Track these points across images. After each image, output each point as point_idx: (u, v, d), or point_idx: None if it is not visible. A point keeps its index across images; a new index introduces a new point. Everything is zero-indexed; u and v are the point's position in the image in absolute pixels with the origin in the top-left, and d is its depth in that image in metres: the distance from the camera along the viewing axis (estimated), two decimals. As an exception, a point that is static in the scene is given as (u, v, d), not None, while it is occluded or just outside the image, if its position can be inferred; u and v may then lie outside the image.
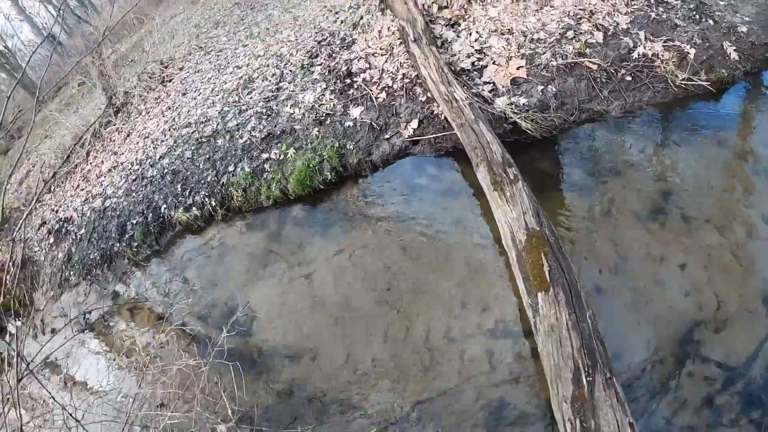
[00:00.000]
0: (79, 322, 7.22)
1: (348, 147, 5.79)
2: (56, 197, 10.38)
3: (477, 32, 6.16)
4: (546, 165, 5.15)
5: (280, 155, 6.16)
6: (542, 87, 5.46)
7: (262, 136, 6.51)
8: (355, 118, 5.96)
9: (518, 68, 5.63)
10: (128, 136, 9.57)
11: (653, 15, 5.83)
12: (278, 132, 6.42)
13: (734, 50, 5.46)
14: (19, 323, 9.30)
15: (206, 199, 6.56)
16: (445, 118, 5.31)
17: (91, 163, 10.06)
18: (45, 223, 9.76)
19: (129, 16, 18.55)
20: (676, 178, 4.63)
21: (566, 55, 5.59)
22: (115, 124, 10.19)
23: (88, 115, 11.56)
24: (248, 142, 6.59)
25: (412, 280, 4.65)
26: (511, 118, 5.24)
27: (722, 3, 6.00)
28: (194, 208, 6.66)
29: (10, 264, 9.82)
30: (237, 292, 5.53)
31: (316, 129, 6.09)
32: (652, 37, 5.62)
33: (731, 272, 3.87)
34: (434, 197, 5.26)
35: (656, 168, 4.79)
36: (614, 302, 3.91)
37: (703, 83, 5.24)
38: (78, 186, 9.79)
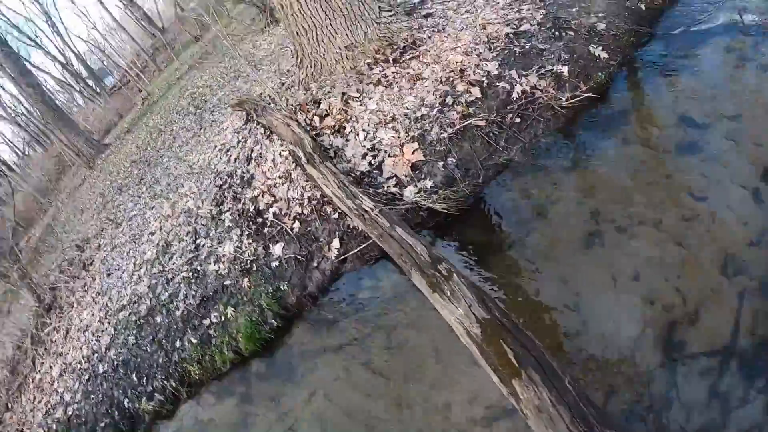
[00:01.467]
0: None
1: (282, 288, 5.74)
2: (17, 415, 9.90)
3: (363, 130, 6.25)
4: (474, 235, 5.24)
5: (220, 317, 6.05)
6: (442, 163, 5.57)
7: (197, 302, 6.40)
8: (279, 256, 5.92)
9: (413, 152, 5.72)
10: (67, 332, 9.28)
11: (517, 50, 6.02)
12: (211, 293, 6.32)
13: (601, 50, 5.71)
14: None
15: (165, 382, 6.37)
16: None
17: (39, 371, 9.66)
18: (15, 450, 9.28)
19: (34, 197, 18.38)
20: (597, 194, 4.72)
21: (453, 123, 5.72)
22: (51, 324, 9.86)
23: (21, 320, 11.21)
24: (185, 312, 6.47)
25: (392, 398, 4.58)
26: (424, 204, 5.31)
27: (574, 10, 6.25)
28: (156, 394, 6.46)
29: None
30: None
31: (246, 279, 6.02)
32: (524, 72, 5.81)
33: (682, 261, 3.91)
34: (383, 307, 5.25)
35: (575, 192, 4.90)
36: (585, 343, 3.91)
37: (585, 94, 5.41)
38: (35, 398, 9.38)
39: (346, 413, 4.79)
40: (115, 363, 7.29)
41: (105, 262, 9.55)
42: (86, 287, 9.55)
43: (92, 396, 7.53)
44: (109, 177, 14.11)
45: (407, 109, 6.09)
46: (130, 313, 7.51)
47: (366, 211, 5.04)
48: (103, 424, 7.13)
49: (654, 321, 3.73)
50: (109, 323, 7.98)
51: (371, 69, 6.90)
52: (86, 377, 7.88)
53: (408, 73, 6.57)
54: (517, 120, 5.59)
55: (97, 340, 8.08)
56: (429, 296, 4.11)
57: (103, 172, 15.27)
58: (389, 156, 5.84)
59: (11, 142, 35.79)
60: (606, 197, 4.63)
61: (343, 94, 6.76)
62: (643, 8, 6.13)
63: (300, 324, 5.75)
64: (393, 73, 6.70)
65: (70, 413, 7.93)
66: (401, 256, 4.47)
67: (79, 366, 8.23)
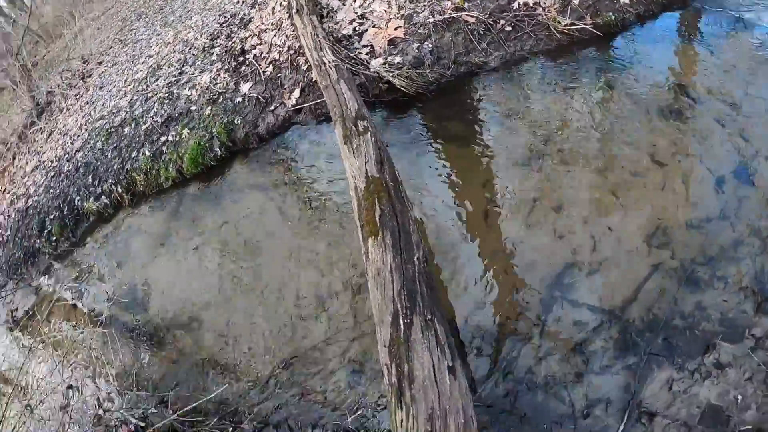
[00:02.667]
0: (8, 321, 7.30)
1: (236, 122, 5.87)
2: (-15, 201, 10.31)
3: None
4: (421, 120, 5.24)
5: (176, 137, 6.23)
6: (418, 44, 5.51)
7: (162, 120, 6.58)
8: (244, 94, 6.03)
9: (396, 29, 5.70)
10: (50, 134, 9.57)
11: None
12: (176, 114, 6.50)
13: None
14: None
15: (113, 187, 6.62)
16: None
17: (16, 165, 10.02)
18: (-27, 227, 9.70)
19: (63, 13, 18.30)
20: (559, 124, 4.58)
21: (444, 11, 5.64)
22: (38, 125, 10.15)
23: (12, 119, 11.50)
24: (150, 127, 6.67)
25: (288, 245, 4.76)
26: (385, 77, 5.32)
27: None
28: (103, 197, 6.72)
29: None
30: (138, 271, 5.69)
31: (209, 108, 6.16)
32: None
33: (610, 212, 3.77)
34: (314, 161, 5.40)
35: (538, 116, 4.78)
36: (483, 250, 3.90)
37: (588, 27, 5.19)
38: (4, 189, 9.76)
39: (245, 247, 5.04)
40: (79, 164, 7.56)
41: (102, 76, 9.73)
42: (79, 96, 9.78)
43: (51, 191, 7.84)
44: (135, 3, 14.18)
45: None
46: (105, 123, 7.74)
47: (324, 63, 5.09)
48: (52, 217, 7.46)
49: (552, 255, 3.64)
50: (85, 130, 8.22)
51: None
52: (52, 174, 8.19)
53: None
54: (508, 28, 5.44)
55: (71, 143, 8.35)
56: (341, 147, 4.18)
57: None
58: (373, 26, 5.83)
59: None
60: (564, 131, 4.49)
61: None
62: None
63: (241, 159, 5.92)
64: None
65: (29, 204, 8.28)
66: (334, 107, 4.54)
67: (50, 164, 8.54)
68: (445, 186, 4.51)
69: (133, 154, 6.62)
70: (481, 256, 3.87)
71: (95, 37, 12.14)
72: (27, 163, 9.56)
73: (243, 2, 7.75)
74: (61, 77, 10.71)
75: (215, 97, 6.25)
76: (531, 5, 5.52)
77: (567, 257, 3.61)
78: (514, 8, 5.53)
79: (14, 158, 10.44)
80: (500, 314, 3.50)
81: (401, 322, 2.65)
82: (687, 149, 4.03)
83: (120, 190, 6.55)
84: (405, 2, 5.85)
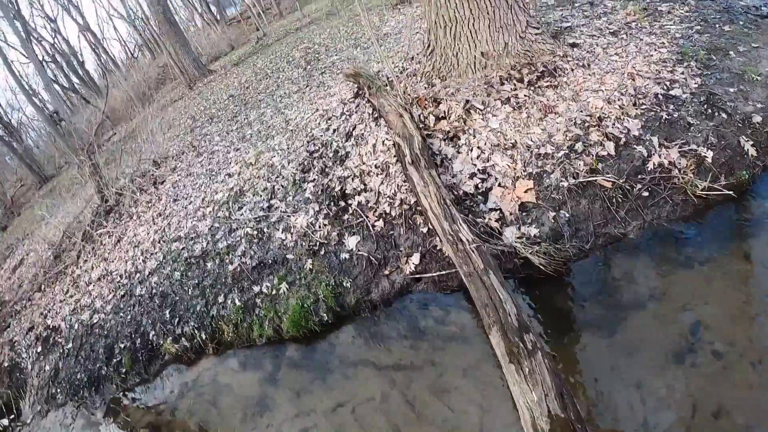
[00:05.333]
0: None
1: (345, 285, 5.37)
2: (46, 298, 10.05)
3: (478, 147, 5.77)
4: (559, 302, 4.67)
5: (272, 290, 5.76)
6: (554, 213, 5.02)
7: (253, 264, 6.13)
8: (351, 250, 5.56)
9: (526, 191, 5.21)
10: (118, 241, 9.25)
11: (664, 115, 5.33)
12: (270, 261, 6.03)
13: (751, 145, 4.96)
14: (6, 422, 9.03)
15: (196, 331, 6.17)
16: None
17: (81, 267, 9.73)
18: (33, 327, 9.41)
19: (130, 97, 18.73)
20: (703, 307, 4.07)
21: (577, 173, 5.16)
22: (106, 227, 9.88)
23: (79, 211, 11.35)
24: (239, 269, 6.22)
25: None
26: (522, 253, 4.81)
27: (732, 90, 5.51)
28: (183, 339, 6.27)
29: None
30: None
31: (310, 261, 5.69)
32: (666, 143, 5.13)
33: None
34: (442, 343, 4.80)
35: (680, 296, 4.24)
36: None
37: (724, 190, 4.74)
38: (67, 291, 9.45)
39: (369, 440, 4.43)
40: (153, 292, 7.16)
41: (176, 186, 9.44)
42: (150, 204, 9.49)
43: (121, 314, 7.44)
44: (205, 103, 14.09)
45: (531, 140, 5.54)
46: (183, 248, 7.35)
47: (461, 241, 4.57)
48: (122, 346, 7.04)
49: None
50: (160, 249, 7.85)
51: (502, 84, 6.37)
52: (121, 293, 7.81)
53: (541, 101, 6.02)
54: (645, 194, 4.95)
55: (143, 261, 7.99)
56: (504, 364, 3.66)
57: (200, 96, 15.29)
58: (499, 185, 5.34)
59: (124, 42, 37.15)
60: (710, 314, 3.99)
61: (467, 101, 6.27)
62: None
63: (351, 327, 5.35)
64: (525, 96, 6.15)
65: (95, 321, 7.90)
66: (486, 307, 4.01)
67: (119, 279, 8.18)
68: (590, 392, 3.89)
69: (220, 299, 6.17)
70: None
71: (162, 131, 12.00)
72: (93, 268, 9.24)
73: (335, 131, 7.30)
74: (131, 177, 10.51)
75: (316, 247, 5.78)
76: (666, 166, 5.03)
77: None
78: (649, 170, 5.03)
79: (78, 257, 10.17)
80: None
81: None
82: None
83: (204, 336, 6.09)
84: (530, 158, 5.37)
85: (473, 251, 4.44)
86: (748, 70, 5.54)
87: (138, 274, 7.80)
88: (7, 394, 9.15)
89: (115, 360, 7.06)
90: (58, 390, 7.79)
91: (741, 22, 6.39)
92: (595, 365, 4.05)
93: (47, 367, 8.26)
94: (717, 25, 6.40)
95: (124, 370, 6.88)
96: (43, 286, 10.72)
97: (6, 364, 9.39)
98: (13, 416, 9.01)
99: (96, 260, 9.41)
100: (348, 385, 4.91)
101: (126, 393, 6.84)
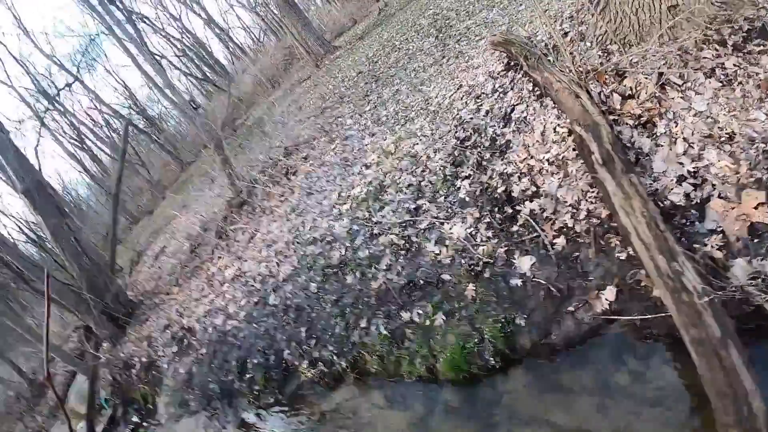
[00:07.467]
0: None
1: (517, 323, 4.19)
2: (182, 294, 9.91)
3: (684, 139, 4.23)
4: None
5: (424, 319, 4.73)
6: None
7: (401, 284, 5.13)
8: (524, 274, 4.35)
9: (757, 206, 3.65)
10: (252, 238, 8.77)
11: None
12: (421, 281, 4.97)
13: None
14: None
15: (335, 357, 5.36)
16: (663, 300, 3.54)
17: (215, 264, 9.43)
18: (169, 326, 9.28)
19: (260, 80, 18.79)
20: None
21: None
22: (239, 222, 9.48)
23: (214, 203, 11.18)
24: (384, 288, 5.25)
25: None
26: (755, 300, 3.35)
27: None
28: (321, 365, 5.49)
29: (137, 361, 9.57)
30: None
31: (472, 286, 4.55)
32: None
33: None
34: (639, 407, 3.51)
35: None
36: None
37: None
38: (202, 290, 9.19)
39: None
40: (288, 303, 6.46)
41: (309, 177, 8.67)
42: (283, 198, 8.84)
43: (254, 324, 6.86)
44: (333, 81, 13.32)
45: (754, 130, 3.91)
46: (319, 253, 6.54)
47: (685, 288, 3.22)
48: (255, 361, 6.46)
49: None
50: (294, 252, 7.15)
51: (700, 50, 4.67)
52: (255, 300, 7.25)
53: (756, 72, 4.34)
54: None
55: (277, 264, 7.35)
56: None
57: (328, 74, 14.62)
58: (719, 196, 3.86)
59: (249, 29, 38.05)
60: None
61: (660, 74, 4.73)
62: None
63: (522, 372, 4.17)
64: (734, 65, 4.39)
65: (228, 328, 7.46)
66: (723, 398, 2.79)
67: (252, 282, 7.66)
68: None
69: (362, 323, 5.25)
70: None
71: (294, 114, 11.40)
72: (227, 267, 8.84)
73: (487, 113, 5.95)
74: (262, 167, 10.02)
75: (478, 268, 4.62)
76: None
77: None
78: None
79: (213, 253, 9.91)
80: None
81: None
82: None
83: (343, 365, 5.25)
84: (755, 155, 3.80)
85: (705, 310, 3.08)
86: None
87: (272, 279, 7.19)
88: (144, 390, 9.14)
89: (248, 375, 6.51)
90: (191, 396, 7.50)
91: None
92: None
93: (181, 370, 8.01)
94: None
95: (257, 388, 6.35)
96: (179, 280, 10.66)
97: (144, 360, 9.36)
98: (144, 413, 9.03)
99: (230, 258, 9.04)
100: (517, 446, 3.80)
101: (259, 412, 6.29)
